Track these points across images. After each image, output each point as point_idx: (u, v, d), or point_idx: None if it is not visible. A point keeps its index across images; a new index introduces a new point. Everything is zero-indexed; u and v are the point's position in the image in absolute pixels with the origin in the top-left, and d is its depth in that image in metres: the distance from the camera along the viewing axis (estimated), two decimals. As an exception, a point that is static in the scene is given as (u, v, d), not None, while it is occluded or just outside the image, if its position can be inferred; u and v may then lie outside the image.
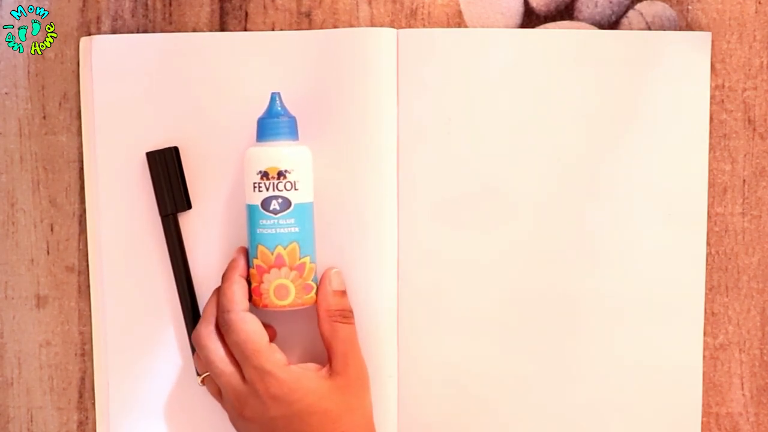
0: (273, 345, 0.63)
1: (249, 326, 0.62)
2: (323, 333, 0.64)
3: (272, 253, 0.63)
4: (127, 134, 0.67)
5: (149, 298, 0.67)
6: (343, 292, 0.65)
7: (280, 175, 0.63)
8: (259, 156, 0.63)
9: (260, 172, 0.63)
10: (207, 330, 0.63)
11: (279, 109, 0.64)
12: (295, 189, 0.63)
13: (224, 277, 0.65)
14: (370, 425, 0.64)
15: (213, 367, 0.63)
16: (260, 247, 0.64)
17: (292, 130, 0.64)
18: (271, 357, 0.62)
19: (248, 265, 0.65)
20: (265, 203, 0.63)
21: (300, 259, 0.64)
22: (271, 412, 0.61)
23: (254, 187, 0.63)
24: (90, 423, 0.69)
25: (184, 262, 0.67)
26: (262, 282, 0.64)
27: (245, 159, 0.64)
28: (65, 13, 0.68)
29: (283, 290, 0.64)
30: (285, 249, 0.64)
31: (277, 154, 0.63)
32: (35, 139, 0.68)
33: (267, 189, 0.63)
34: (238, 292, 0.64)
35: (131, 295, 0.67)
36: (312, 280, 0.65)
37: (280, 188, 0.63)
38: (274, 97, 0.64)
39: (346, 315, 0.65)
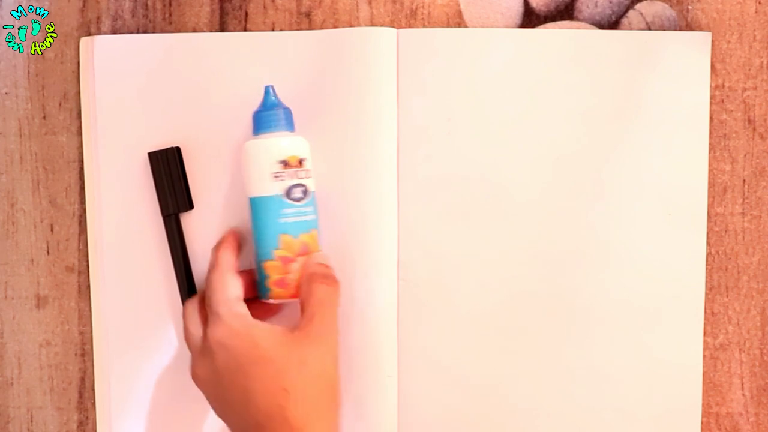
0: (240, 299, 0.62)
1: (223, 278, 0.62)
2: (301, 295, 0.62)
3: (297, 241, 0.62)
4: (129, 134, 0.67)
5: (151, 299, 0.67)
6: (327, 265, 0.63)
7: (301, 162, 0.63)
8: (274, 146, 0.63)
9: (281, 161, 0.62)
10: (193, 303, 0.63)
11: (275, 100, 0.63)
12: (310, 177, 0.63)
13: (215, 246, 0.64)
14: (327, 386, 0.60)
15: (184, 329, 0.62)
16: (284, 237, 0.62)
17: (290, 121, 0.64)
18: (229, 304, 0.61)
19: (255, 257, 0.64)
20: (289, 191, 0.62)
21: (319, 246, 0.64)
22: (216, 362, 0.59)
23: (274, 177, 0.62)
24: (90, 423, 0.69)
25: (186, 262, 0.67)
26: (288, 272, 0.63)
27: (249, 152, 0.63)
28: (65, 13, 0.68)
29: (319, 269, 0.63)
30: (308, 235, 0.63)
31: (295, 142, 0.63)
32: (35, 139, 0.69)
33: (290, 177, 0.62)
34: (225, 255, 0.63)
35: (133, 295, 0.67)
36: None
37: (301, 176, 0.62)
38: (269, 89, 0.64)
39: (327, 277, 0.62)
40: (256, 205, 0.63)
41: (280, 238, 0.63)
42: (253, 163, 0.63)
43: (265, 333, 0.59)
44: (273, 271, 0.63)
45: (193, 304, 0.63)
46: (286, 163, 0.62)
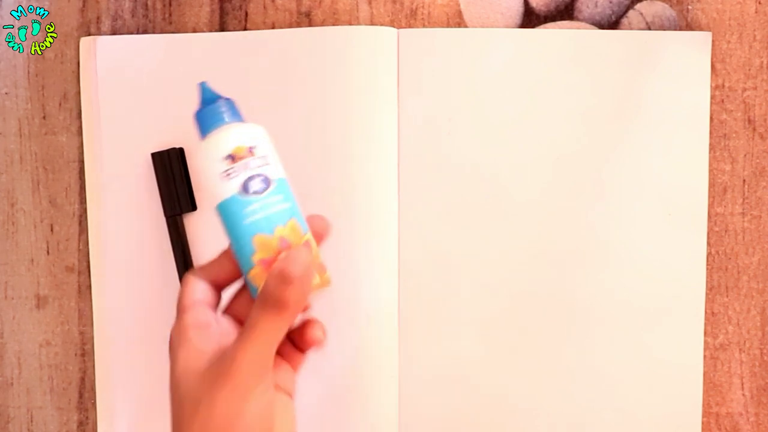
0: (204, 306, 0.54)
1: (189, 284, 0.55)
2: (250, 310, 0.53)
3: (274, 237, 0.55)
4: (131, 135, 0.67)
5: (153, 299, 0.67)
6: (296, 279, 0.52)
7: (251, 150, 0.56)
8: (215, 144, 0.56)
9: (226, 156, 0.56)
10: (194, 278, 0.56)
11: (212, 95, 0.58)
12: (268, 164, 0.56)
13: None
14: None
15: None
16: (257, 238, 0.55)
17: (235, 112, 0.58)
18: (188, 312, 0.54)
19: (238, 272, 0.56)
20: (245, 186, 0.55)
21: (303, 236, 0.56)
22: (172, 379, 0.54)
23: (224, 175, 0.55)
24: (90, 423, 0.69)
25: (188, 263, 0.67)
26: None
27: (197, 157, 0.57)
28: (65, 13, 0.68)
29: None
30: (285, 228, 0.56)
31: (236, 133, 0.56)
32: (35, 139, 0.69)
33: (241, 170, 0.55)
34: (212, 264, 0.55)
35: (135, 295, 0.68)
36: (321, 258, 0.57)
37: (253, 165, 0.56)
38: (203, 86, 0.58)
39: (279, 303, 0.52)
40: (220, 213, 0.56)
41: (254, 240, 0.55)
42: (201, 169, 0.57)
43: (187, 355, 0.53)
44: (258, 280, 0.55)
45: (195, 279, 0.55)
46: (232, 157, 0.56)
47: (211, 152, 0.56)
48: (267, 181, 0.56)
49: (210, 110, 0.57)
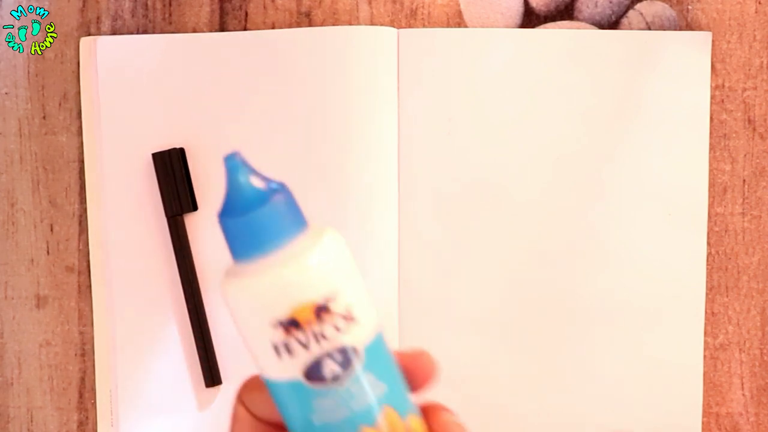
0: None
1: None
2: None
3: None
4: (132, 135, 0.67)
5: (155, 299, 0.67)
6: None
7: (321, 311, 0.36)
8: (259, 293, 0.36)
9: (281, 323, 0.36)
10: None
11: (254, 182, 0.37)
12: (352, 318, 0.37)
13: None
14: None
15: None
16: None
17: (296, 215, 0.38)
18: None
19: None
20: (313, 371, 0.37)
21: (403, 425, 0.38)
22: None
23: (275, 351, 0.37)
24: (90, 423, 0.69)
25: (190, 263, 0.67)
26: None
27: (229, 306, 0.38)
28: (65, 13, 0.68)
29: None
30: (375, 426, 0.37)
31: (303, 277, 0.36)
32: (35, 139, 0.69)
33: (305, 347, 0.36)
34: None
35: (136, 295, 0.68)
36: None
37: (328, 334, 0.36)
38: (235, 164, 0.37)
39: None
40: (270, 389, 0.38)
41: None
42: (240, 326, 0.38)
43: None
44: None
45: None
46: (292, 324, 0.36)
47: (249, 309, 0.37)
48: (349, 360, 0.37)
49: (260, 218, 0.37)
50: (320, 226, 0.39)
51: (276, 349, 0.37)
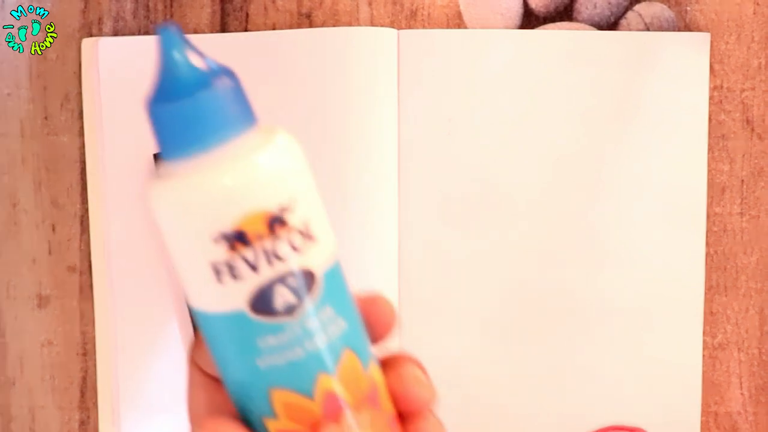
0: None
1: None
2: None
3: (314, 397, 0.31)
4: (133, 136, 0.67)
5: (156, 299, 0.68)
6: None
7: (276, 224, 0.30)
8: (200, 203, 0.29)
9: (224, 237, 0.29)
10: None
11: (193, 60, 0.30)
12: (311, 236, 0.31)
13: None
14: None
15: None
16: (280, 395, 0.31)
17: (244, 107, 0.31)
18: None
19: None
20: (262, 300, 0.30)
21: (367, 376, 0.32)
22: None
23: (216, 275, 0.30)
24: (91, 422, 0.69)
25: None
26: None
27: (158, 212, 0.31)
28: (67, 14, 0.68)
29: None
30: (335, 374, 0.31)
31: (254, 179, 0.30)
32: (37, 139, 0.69)
33: (253, 268, 0.30)
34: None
35: (138, 295, 0.68)
36: (391, 405, 0.34)
37: (282, 254, 0.30)
38: (170, 38, 0.30)
39: None
40: (204, 329, 0.32)
41: (274, 398, 0.31)
42: (170, 242, 0.31)
43: None
44: None
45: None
46: (239, 238, 0.29)
47: (185, 214, 0.30)
48: (305, 287, 0.31)
49: (191, 107, 0.30)
50: (271, 124, 0.32)
51: (216, 271, 0.29)
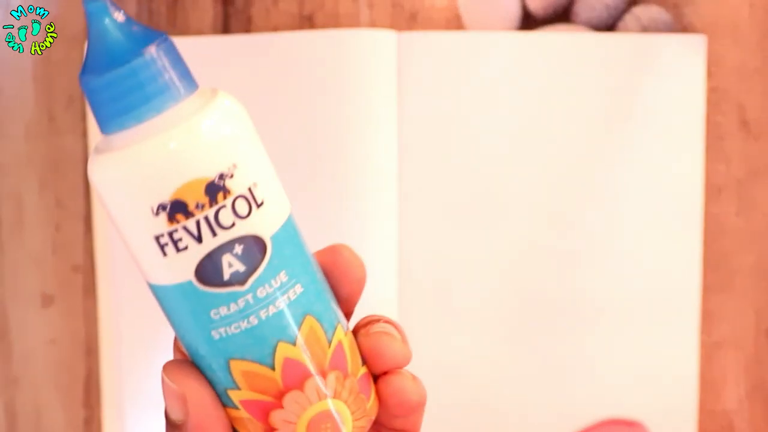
0: None
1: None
2: None
3: (274, 366, 0.30)
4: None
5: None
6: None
7: (216, 191, 0.29)
8: (136, 174, 0.29)
9: (162, 207, 0.29)
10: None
11: (123, 28, 0.29)
12: (256, 202, 0.30)
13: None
14: None
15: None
16: (238, 366, 0.30)
17: (181, 73, 0.30)
18: None
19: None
20: (208, 270, 0.29)
21: (330, 341, 0.31)
22: None
23: (160, 248, 0.29)
24: (96, 419, 0.70)
25: None
26: (272, 429, 0.31)
27: (99, 187, 0.30)
28: (71, 17, 0.69)
29: (330, 422, 0.32)
30: (294, 342, 0.30)
31: (190, 145, 0.28)
32: (42, 141, 0.69)
33: (196, 239, 0.29)
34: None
35: (140, 294, 0.67)
36: (362, 364, 0.33)
37: (225, 222, 0.29)
38: (98, 6, 0.29)
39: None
40: (160, 302, 0.33)
41: (233, 369, 0.30)
42: (114, 217, 0.30)
43: None
44: (244, 427, 0.32)
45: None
46: (177, 208, 0.29)
47: (123, 186, 0.29)
48: (253, 253, 0.29)
49: (123, 77, 0.28)
50: (212, 87, 0.31)
51: (160, 244, 0.29)
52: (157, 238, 0.29)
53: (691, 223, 0.68)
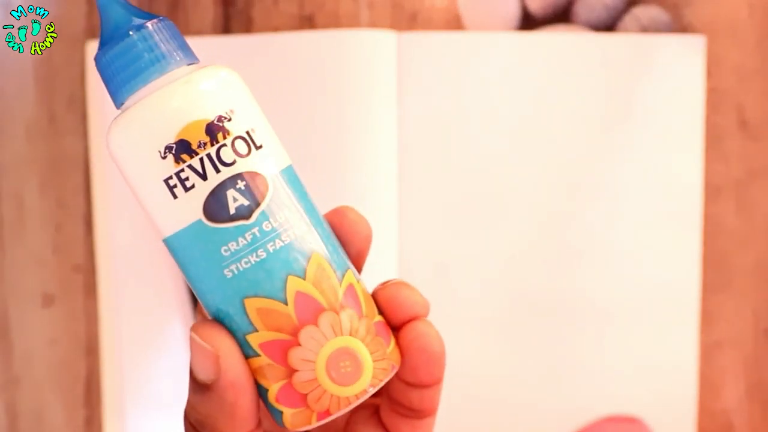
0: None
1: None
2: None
3: (286, 301, 0.31)
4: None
5: (160, 297, 0.68)
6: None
7: (216, 130, 0.32)
8: (144, 127, 0.32)
9: (168, 149, 0.31)
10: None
11: (129, 10, 0.33)
12: (254, 144, 0.33)
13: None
14: None
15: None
16: (252, 303, 0.32)
17: (182, 46, 0.35)
18: None
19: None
20: (215, 205, 0.32)
21: (340, 280, 0.33)
22: None
23: (170, 192, 0.32)
24: (96, 419, 0.70)
25: None
26: (293, 370, 0.32)
27: (115, 151, 0.33)
28: (72, 17, 0.69)
29: (350, 360, 0.32)
30: (306, 277, 0.32)
31: (188, 96, 0.32)
32: (42, 141, 0.69)
33: (202, 176, 0.31)
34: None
35: (142, 294, 0.68)
36: (378, 314, 0.34)
37: (226, 158, 0.32)
38: None
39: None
40: (171, 251, 0.34)
41: (246, 308, 0.32)
42: (130, 178, 0.34)
43: None
44: (265, 377, 0.33)
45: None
46: (182, 147, 0.31)
47: (134, 141, 0.32)
48: (255, 187, 0.32)
49: (128, 47, 0.32)
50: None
51: (170, 186, 0.31)
52: (167, 181, 0.32)
53: (691, 223, 0.68)
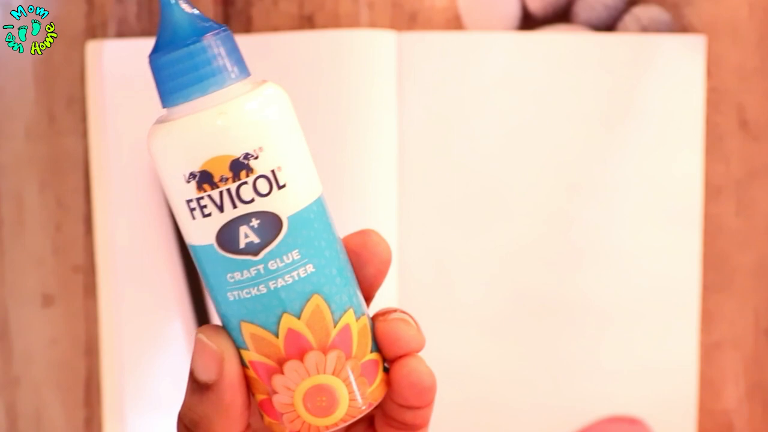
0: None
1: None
2: None
3: (278, 334, 0.33)
4: (137, 137, 0.67)
5: (160, 298, 0.68)
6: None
7: (240, 168, 0.32)
8: (177, 144, 0.33)
9: (192, 176, 0.32)
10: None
11: (190, 16, 0.33)
12: (277, 184, 0.33)
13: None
14: None
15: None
16: (247, 328, 0.34)
17: (236, 60, 0.34)
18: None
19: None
20: (226, 237, 0.33)
21: (336, 321, 0.34)
22: None
23: (190, 212, 0.33)
24: (96, 420, 0.70)
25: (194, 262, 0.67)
26: (274, 391, 0.35)
27: (152, 152, 0.34)
28: (71, 17, 0.69)
29: (326, 396, 0.34)
30: (300, 316, 0.33)
31: (221, 124, 0.32)
32: (42, 141, 0.69)
33: (219, 208, 0.32)
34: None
35: (142, 294, 0.68)
36: (371, 351, 0.36)
37: (245, 197, 0.32)
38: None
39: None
40: (194, 256, 0.35)
41: (243, 330, 0.34)
42: (163, 181, 0.34)
43: None
44: (252, 386, 0.35)
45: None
46: (204, 179, 0.32)
47: (167, 153, 0.33)
48: (268, 229, 0.33)
49: (183, 58, 0.32)
50: (264, 78, 0.35)
51: (189, 208, 0.33)
52: (188, 203, 0.33)
53: (691, 223, 0.68)
